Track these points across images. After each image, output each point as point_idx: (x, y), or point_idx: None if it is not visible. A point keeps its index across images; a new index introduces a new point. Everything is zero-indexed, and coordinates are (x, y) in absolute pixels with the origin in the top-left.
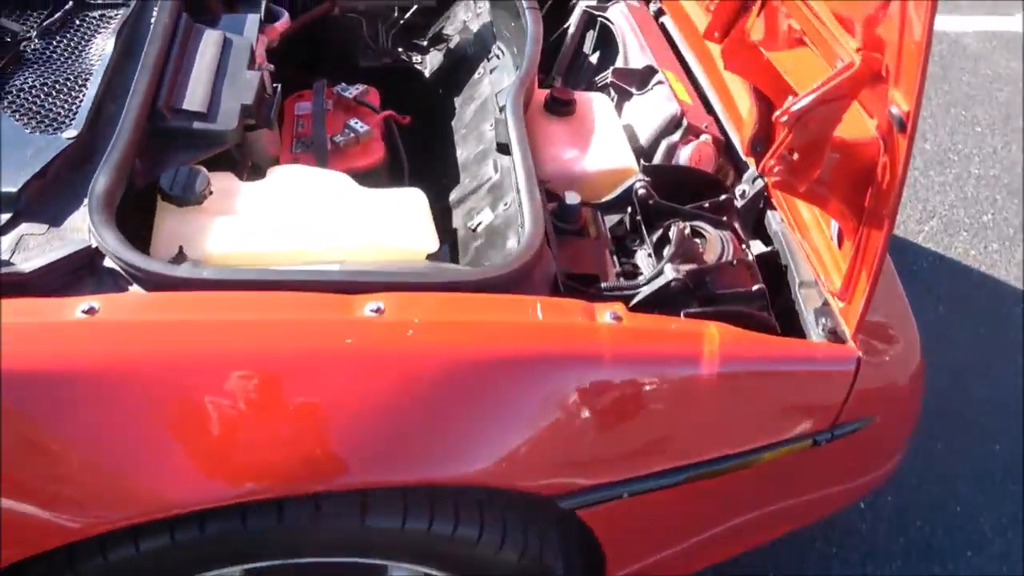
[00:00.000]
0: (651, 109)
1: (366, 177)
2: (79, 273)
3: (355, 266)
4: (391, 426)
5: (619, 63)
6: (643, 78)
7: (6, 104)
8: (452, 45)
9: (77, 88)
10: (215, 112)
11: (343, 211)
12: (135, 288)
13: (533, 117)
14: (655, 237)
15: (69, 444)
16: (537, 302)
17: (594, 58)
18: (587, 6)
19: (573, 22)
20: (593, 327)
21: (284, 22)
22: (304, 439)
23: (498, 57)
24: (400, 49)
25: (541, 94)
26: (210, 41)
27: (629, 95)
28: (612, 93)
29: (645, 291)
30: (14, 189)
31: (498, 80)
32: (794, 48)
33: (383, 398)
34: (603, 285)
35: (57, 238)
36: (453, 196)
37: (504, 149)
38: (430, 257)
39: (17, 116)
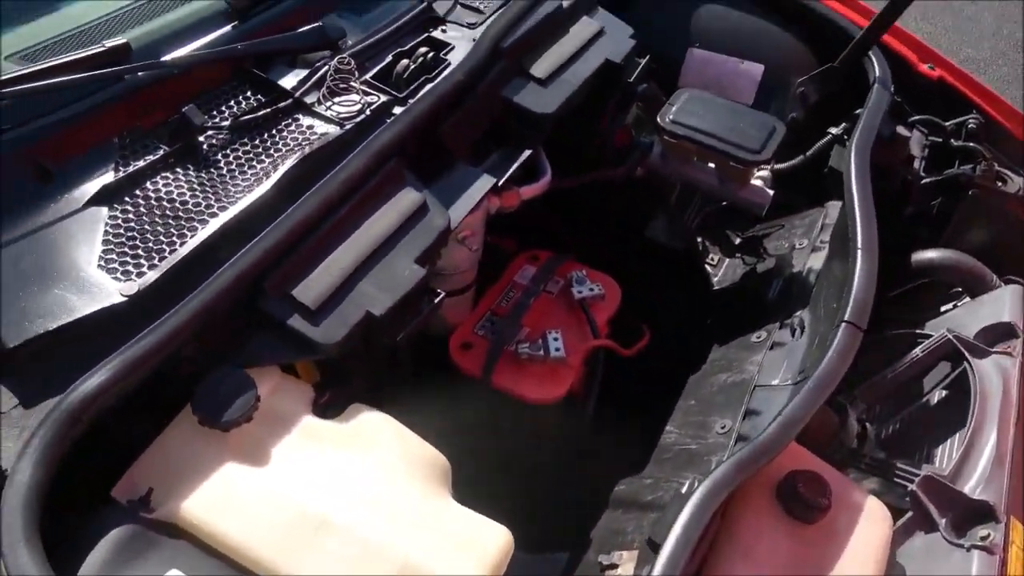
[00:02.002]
0: None
1: (535, 410)
2: None
3: None
4: None
5: (952, 454)
6: (967, 516)
7: (118, 212)
8: (759, 269)
9: (202, 218)
10: (325, 313)
11: (384, 531)
12: None
13: (749, 496)
14: None
15: None
16: None
17: (934, 397)
18: (956, 336)
19: (929, 340)
20: None
21: (539, 186)
22: None
23: (793, 333)
24: (701, 238)
25: (790, 458)
26: (398, 206)
27: (932, 527)
28: (906, 502)
29: None
30: None
31: (771, 365)
32: None
33: None
34: None
35: None
36: (620, 489)
37: (654, 547)
38: None
39: (113, 236)
